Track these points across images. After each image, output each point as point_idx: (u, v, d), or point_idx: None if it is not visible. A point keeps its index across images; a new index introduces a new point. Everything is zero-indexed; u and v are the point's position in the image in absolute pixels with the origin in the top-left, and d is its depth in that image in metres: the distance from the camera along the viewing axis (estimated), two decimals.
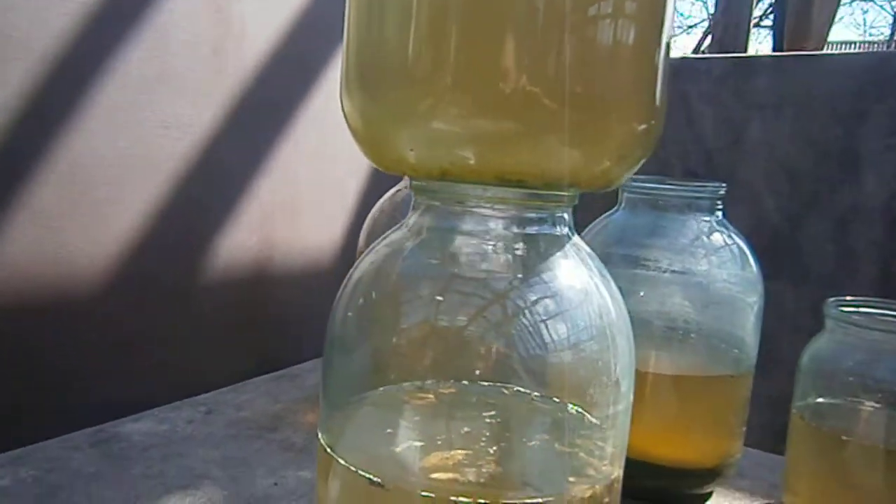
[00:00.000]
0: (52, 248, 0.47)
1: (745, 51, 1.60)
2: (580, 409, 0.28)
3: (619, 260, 0.45)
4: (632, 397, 0.29)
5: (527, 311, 0.27)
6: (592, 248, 0.44)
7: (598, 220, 0.47)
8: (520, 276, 0.27)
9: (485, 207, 0.27)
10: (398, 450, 0.28)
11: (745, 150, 0.97)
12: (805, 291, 0.90)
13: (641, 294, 0.44)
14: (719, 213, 0.45)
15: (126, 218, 0.52)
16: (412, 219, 0.28)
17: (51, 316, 0.47)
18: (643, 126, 0.27)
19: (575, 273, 0.28)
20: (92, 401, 0.49)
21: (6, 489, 0.39)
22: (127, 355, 0.52)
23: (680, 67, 1.04)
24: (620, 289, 0.29)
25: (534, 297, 0.27)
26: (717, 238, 0.45)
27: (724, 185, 0.44)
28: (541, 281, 0.27)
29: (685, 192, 0.44)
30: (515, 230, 0.27)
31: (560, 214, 0.28)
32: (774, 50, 1.44)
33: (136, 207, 0.52)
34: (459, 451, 0.29)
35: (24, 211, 0.46)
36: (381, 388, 0.28)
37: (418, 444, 0.28)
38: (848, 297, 0.41)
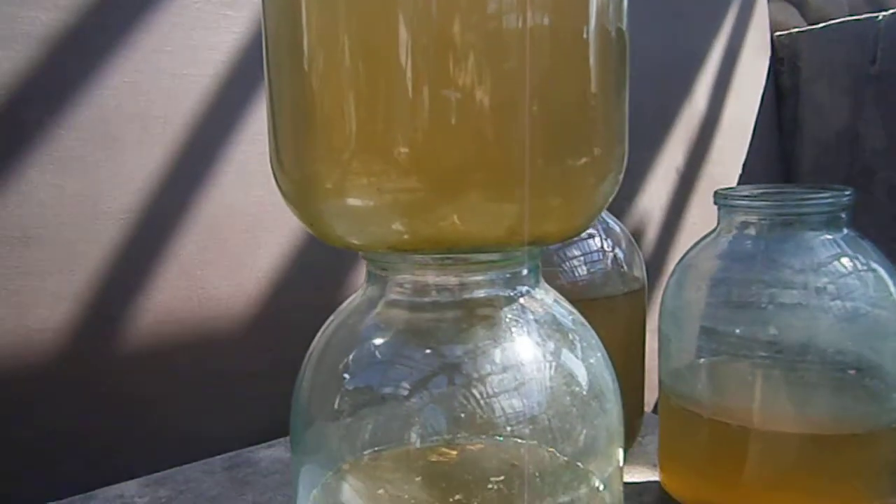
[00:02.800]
0: (197, 293, 0.54)
1: None
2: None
3: (717, 293, 0.38)
4: (617, 462, 0.25)
5: (468, 385, 0.25)
6: (683, 282, 0.39)
7: (693, 245, 0.40)
8: (461, 346, 0.25)
9: (413, 273, 0.25)
10: None
11: None
12: None
13: (738, 331, 0.37)
14: (844, 229, 0.36)
15: (263, 262, 0.57)
16: (363, 286, 0.27)
17: (198, 352, 0.54)
18: (582, 160, 0.23)
19: (527, 339, 0.25)
20: (237, 427, 0.56)
21: None
22: (272, 383, 0.58)
23: None
24: (713, 329, 0.24)
25: (477, 370, 0.25)
26: (845, 260, 0.36)
27: (847, 192, 0.36)
28: (482, 352, 0.25)
29: (792, 205, 0.36)
30: (452, 296, 0.25)
31: (510, 274, 0.25)
32: None
33: (272, 251, 0.57)
34: None
35: (172, 261, 0.53)
36: (340, 463, 0.27)
37: None
38: None
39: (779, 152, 0.98)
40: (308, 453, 0.28)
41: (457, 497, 0.27)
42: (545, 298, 0.26)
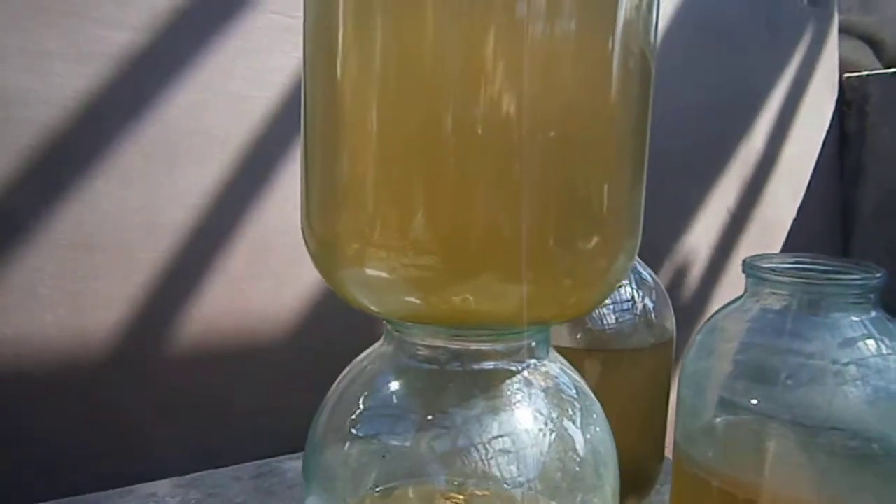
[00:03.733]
0: (241, 306, 0.57)
1: None
2: None
3: (738, 363, 0.39)
4: None
5: (467, 450, 0.26)
6: (705, 348, 0.39)
7: (718, 310, 0.40)
8: (463, 413, 0.26)
9: (425, 340, 0.26)
10: None
11: None
12: None
13: (754, 403, 0.37)
14: (872, 311, 0.36)
15: (306, 280, 0.59)
16: (380, 341, 0.29)
17: (241, 364, 0.57)
18: (589, 244, 0.24)
19: (527, 409, 0.26)
20: (269, 437, 0.58)
21: None
22: (306, 398, 0.60)
23: None
24: (731, 399, 0.25)
25: (479, 437, 0.26)
26: (870, 342, 0.36)
27: (878, 273, 0.35)
28: (481, 421, 0.26)
29: (820, 285, 0.36)
30: (461, 366, 0.26)
31: (519, 347, 0.26)
32: None
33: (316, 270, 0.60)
34: None
35: (219, 276, 0.56)
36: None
37: None
38: None
39: (837, 197, 0.96)
40: (317, 487, 0.29)
41: None
42: (551, 370, 0.27)
